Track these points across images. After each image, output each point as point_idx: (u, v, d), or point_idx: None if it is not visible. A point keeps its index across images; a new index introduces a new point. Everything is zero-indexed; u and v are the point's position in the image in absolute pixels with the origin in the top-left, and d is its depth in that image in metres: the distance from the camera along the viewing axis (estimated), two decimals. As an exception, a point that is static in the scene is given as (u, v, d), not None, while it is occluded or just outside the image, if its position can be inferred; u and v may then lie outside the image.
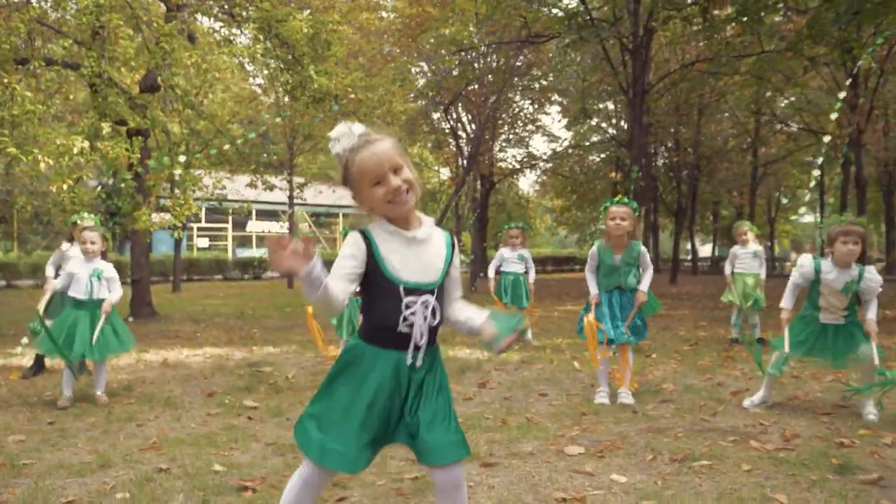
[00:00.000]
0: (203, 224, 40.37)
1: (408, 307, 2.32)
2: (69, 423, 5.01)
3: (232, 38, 10.50)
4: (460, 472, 2.38)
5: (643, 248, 5.53)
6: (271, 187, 22.08)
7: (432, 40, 19.98)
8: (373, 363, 2.35)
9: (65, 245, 7.19)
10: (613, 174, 30.40)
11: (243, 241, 44.63)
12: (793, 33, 15.53)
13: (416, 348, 2.35)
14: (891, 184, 31.31)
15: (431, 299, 2.36)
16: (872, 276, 4.78)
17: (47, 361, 7.48)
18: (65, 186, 8.04)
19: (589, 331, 5.43)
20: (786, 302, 5.08)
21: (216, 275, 34.01)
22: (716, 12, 15.03)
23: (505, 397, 5.82)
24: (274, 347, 8.86)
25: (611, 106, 28.33)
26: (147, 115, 9.05)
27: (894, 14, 13.53)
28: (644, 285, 5.54)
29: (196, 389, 6.27)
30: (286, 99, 19.89)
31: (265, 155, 17.95)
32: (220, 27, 11.85)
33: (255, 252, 41.38)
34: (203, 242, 41.49)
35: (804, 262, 4.99)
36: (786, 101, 27.20)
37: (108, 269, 5.84)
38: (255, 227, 44.40)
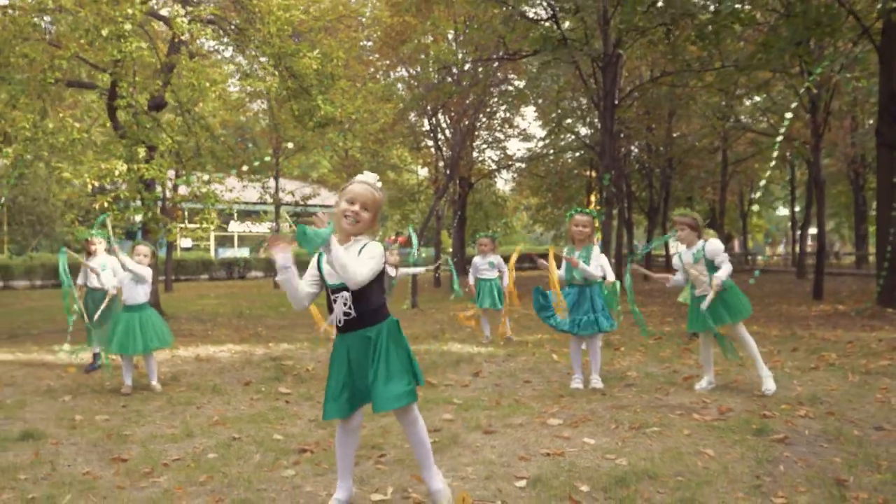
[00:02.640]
0: (185, 224, 41.05)
1: (334, 301, 3.42)
2: (140, 406, 6.07)
3: (248, 70, 11.52)
4: (409, 414, 3.46)
5: (596, 249, 6.68)
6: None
7: (412, 44, 20.93)
8: (336, 344, 3.50)
9: (85, 258, 8.22)
10: (588, 172, 31.26)
11: (224, 241, 45.39)
12: (752, 48, 16.63)
13: (337, 329, 3.44)
14: (858, 179, 32.28)
15: (347, 294, 3.38)
16: (711, 245, 6.15)
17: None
18: (105, 204, 9.05)
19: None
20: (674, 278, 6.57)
21: (202, 275, 34.84)
22: (676, 33, 16.10)
23: (496, 384, 6.93)
24: (288, 344, 9.91)
25: (584, 105, 29.07)
26: (171, 138, 10.07)
27: (840, 32, 14.67)
28: (591, 268, 6.55)
29: (233, 380, 7.32)
30: (271, 99, 21.10)
31: (256, 162, 19.12)
32: (224, 51, 12.86)
33: (236, 252, 42.11)
34: (186, 243, 42.20)
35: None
36: (751, 102, 28.17)
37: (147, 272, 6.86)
38: (236, 227, 45.20)
